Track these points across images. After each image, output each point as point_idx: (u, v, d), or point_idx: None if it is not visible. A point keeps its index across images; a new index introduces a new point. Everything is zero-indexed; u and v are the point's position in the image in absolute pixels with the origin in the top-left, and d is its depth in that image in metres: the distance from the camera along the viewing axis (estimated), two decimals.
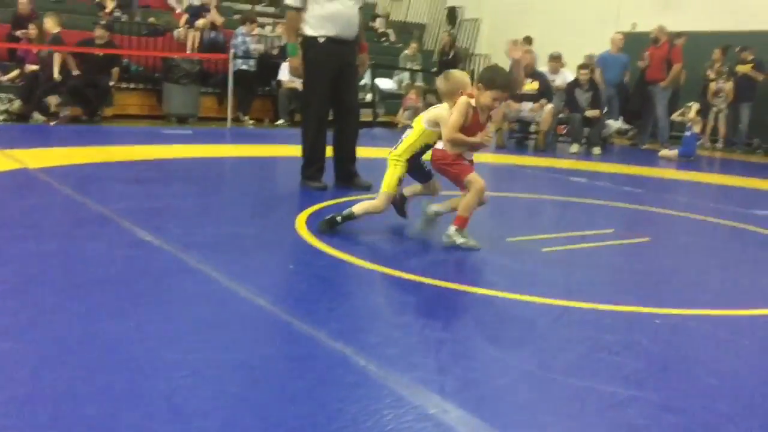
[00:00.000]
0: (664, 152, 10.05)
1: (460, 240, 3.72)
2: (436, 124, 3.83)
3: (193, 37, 10.84)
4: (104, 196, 4.44)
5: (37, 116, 8.76)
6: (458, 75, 3.94)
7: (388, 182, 3.90)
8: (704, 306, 3.09)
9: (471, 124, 3.76)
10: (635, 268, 3.82)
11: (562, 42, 12.16)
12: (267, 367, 2.15)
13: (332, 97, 5.15)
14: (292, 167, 7.26)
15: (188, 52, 10.61)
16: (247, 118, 10.65)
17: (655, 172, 8.52)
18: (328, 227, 3.86)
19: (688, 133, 9.84)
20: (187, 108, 10.16)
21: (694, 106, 9.91)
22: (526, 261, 3.63)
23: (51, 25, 8.88)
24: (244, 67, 10.57)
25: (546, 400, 2.08)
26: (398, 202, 4.14)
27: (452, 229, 3.74)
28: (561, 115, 10.37)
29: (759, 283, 3.61)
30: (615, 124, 11.13)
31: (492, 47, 14.66)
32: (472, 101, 3.74)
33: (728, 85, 11.21)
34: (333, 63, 5.01)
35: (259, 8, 13.40)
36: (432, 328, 2.63)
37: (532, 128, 10.37)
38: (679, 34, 11.11)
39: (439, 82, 3.98)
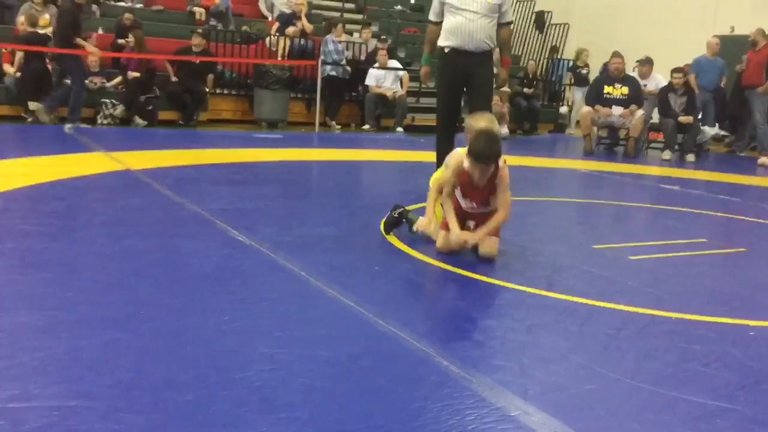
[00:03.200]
0: (763, 160, 9.61)
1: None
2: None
3: (283, 44, 11.15)
4: (200, 197, 4.65)
5: (139, 120, 9.22)
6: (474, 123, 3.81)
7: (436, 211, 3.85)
8: None
9: (462, 184, 3.64)
10: (729, 279, 3.69)
11: (653, 46, 11.81)
12: (353, 363, 2.22)
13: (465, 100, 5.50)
14: (378, 171, 7.38)
15: (279, 58, 10.92)
16: (334, 123, 10.85)
17: (754, 180, 8.16)
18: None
19: None
20: (277, 113, 10.44)
21: None
22: (612, 268, 3.57)
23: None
24: (332, 73, 10.78)
25: (632, 408, 2.05)
26: (394, 220, 4.03)
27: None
28: (652, 121, 10.08)
29: None
30: (711, 130, 10.71)
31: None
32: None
33: None
34: (456, 72, 5.25)
35: (347, 15, 13.63)
36: (516, 332, 2.63)
37: (622, 134, 10.11)
38: None
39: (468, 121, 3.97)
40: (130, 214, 4.11)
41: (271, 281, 3.02)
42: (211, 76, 10.13)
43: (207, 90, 10.02)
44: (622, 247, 4.06)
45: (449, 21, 5.19)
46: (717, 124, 11.05)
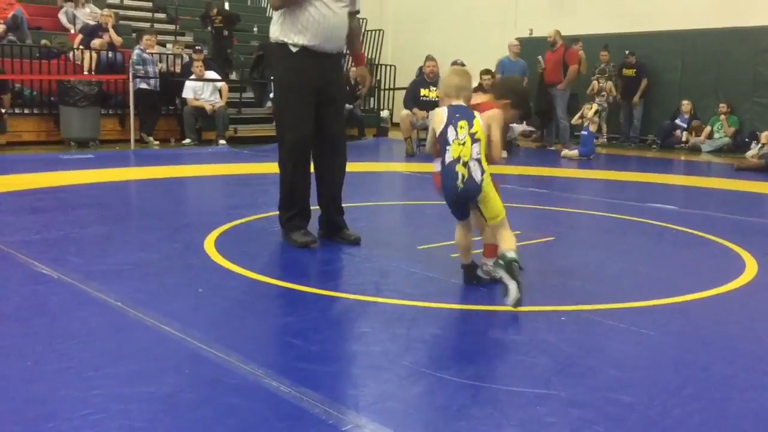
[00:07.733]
0: (566, 152, 10.43)
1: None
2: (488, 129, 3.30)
3: (89, 58, 10.48)
4: None
5: None
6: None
7: (498, 207, 3.36)
8: (607, 300, 3.21)
9: None
10: (541, 267, 3.93)
11: (464, 50, 12.45)
12: (176, 397, 2.09)
13: (315, 125, 4.09)
14: (201, 186, 7.12)
15: (85, 73, 10.24)
16: (151, 138, 10.38)
17: (558, 172, 8.82)
18: (517, 295, 2.97)
19: (585, 133, 10.26)
20: (87, 131, 9.80)
21: (593, 107, 10.38)
22: (436, 268, 3.67)
23: None
24: (143, 86, 10.30)
25: (458, 407, 2.10)
26: (468, 267, 3.41)
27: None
28: None
29: (655, 273, 3.79)
30: (519, 127, 11.46)
31: (396, 58, 14.84)
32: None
33: (608, 84, 12.04)
34: (310, 80, 4.01)
35: (158, 26, 13.10)
36: (347, 342, 2.63)
37: None
38: (575, 39, 11.58)
39: (460, 78, 3.34)
40: None
41: (82, 316, 2.79)
42: (7, 96, 9.31)
43: (3, 111, 9.18)
44: (443, 245, 4.20)
45: (305, 11, 3.90)
46: (524, 121, 11.86)
